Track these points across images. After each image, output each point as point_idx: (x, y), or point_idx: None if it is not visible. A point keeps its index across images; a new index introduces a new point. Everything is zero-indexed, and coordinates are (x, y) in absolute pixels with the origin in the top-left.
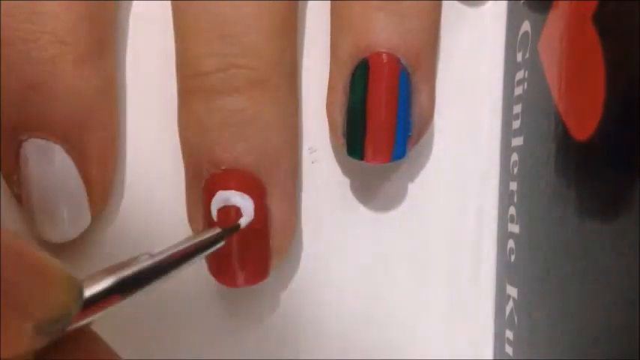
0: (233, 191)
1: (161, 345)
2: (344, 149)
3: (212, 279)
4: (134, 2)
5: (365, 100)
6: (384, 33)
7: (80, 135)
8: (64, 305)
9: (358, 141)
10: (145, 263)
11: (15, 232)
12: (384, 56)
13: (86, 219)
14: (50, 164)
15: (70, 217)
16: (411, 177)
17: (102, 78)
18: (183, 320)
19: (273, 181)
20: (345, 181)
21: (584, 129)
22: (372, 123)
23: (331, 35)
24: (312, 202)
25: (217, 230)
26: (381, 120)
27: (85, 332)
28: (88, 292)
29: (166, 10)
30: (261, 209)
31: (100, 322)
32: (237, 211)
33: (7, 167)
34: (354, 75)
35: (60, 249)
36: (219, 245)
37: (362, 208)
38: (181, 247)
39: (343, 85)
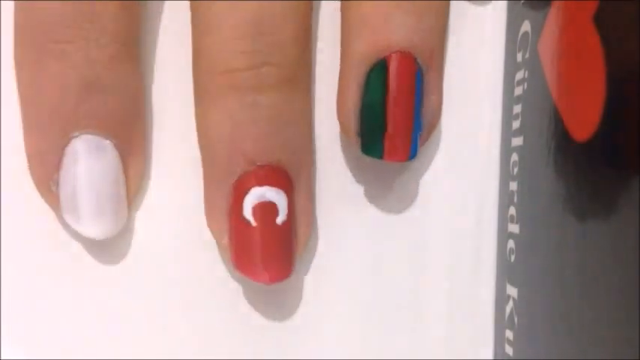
0: (269, 187)
1: (159, 344)
2: (358, 148)
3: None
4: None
5: (383, 99)
6: (402, 32)
7: (127, 132)
8: None
9: (377, 140)
10: None
11: None
12: (403, 56)
13: (125, 215)
14: (100, 160)
15: (113, 213)
16: (411, 177)
17: (142, 76)
18: (182, 321)
19: (300, 176)
20: (345, 182)
21: (584, 129)
22: (391, 122)
23: (342, 34)
24: None
25: None
26: (401, 119)
27: None
28: None
29: (170, 11)
30: (292, 204)
31: (107, 319)
32: (274, 207)
33: (48, 166)
34: (370, 74)
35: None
36: None
37: (361, 209)
38: None
39: (358, 83)
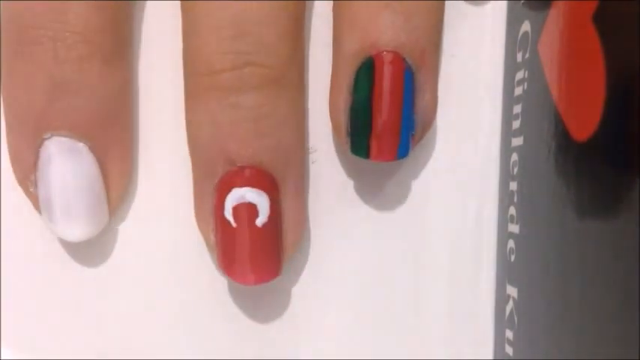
0: (248, 188)
1: (158, 343)
2: (348, 148)
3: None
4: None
5: (370, 98)
6: (390, 31)
7: (104, 134)
8: None
9: (363, 139)
10: None
11: None
12: (390, 55)
13: (105, 218)
14: (73, 162)
15: (90, 215)
16: (411, 177)
17: (124, 78)
18: (182, 320)
19: (287, 178)
20: (345, 182)
21: (584, 129)
22: (377, 122)
23: (334, 33)
24: (311, 203)
25: None
26: (387, 119)
27: None
28: None
29: (163, 11)
30: (275, 206)
31: (103, 318)
32: (254, 209)
33: (24, 166)
34: (358, 73)
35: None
36: None
37: (361, 209)
38: None
39: (347, 83)
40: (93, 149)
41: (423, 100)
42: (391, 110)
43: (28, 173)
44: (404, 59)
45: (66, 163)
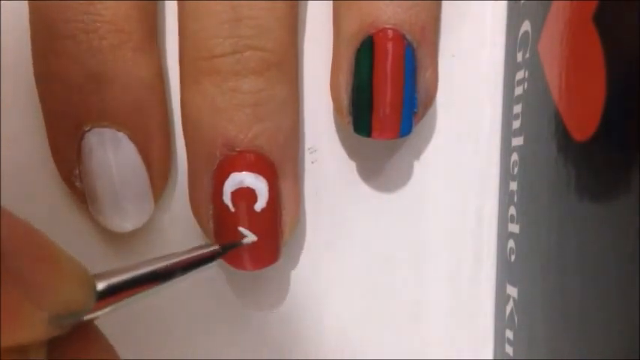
0: (247, 173)
1: (156, 338)
2: (350, 127)
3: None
4: None
5: (371, 77)
6: (389, 9)
7: (142, 122)
8: (78, 301)
9: (365, 118)
10: (152, 267)
11: (32, 225)
12: (390, 32)
13: (151, 206)
14: (115, 153)
15: (138, 205)
16: (411, 177)
17: (156, 65)
18: (181, 319)
19: (285, 163)
20: (345, 182)
21: (584, 129)
22: (379, 99)
23: (334, 13)
24: (311, 203)
25: (216, 247)
26: (388, 96)
27: (88, 328)
28: (100, 286)
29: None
30: (274, 190)
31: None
32: (252, 193)
33: (68, 161)
34: (359, 52)
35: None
36: (217, 259)
37: (361, 208)
38: (183, 257)
39: (348, 62)
40: (133, 138)
41: (425, 77)
42: (393, 88)
43: (71, 168)
44: (404, 36)
45: (108, 153)
